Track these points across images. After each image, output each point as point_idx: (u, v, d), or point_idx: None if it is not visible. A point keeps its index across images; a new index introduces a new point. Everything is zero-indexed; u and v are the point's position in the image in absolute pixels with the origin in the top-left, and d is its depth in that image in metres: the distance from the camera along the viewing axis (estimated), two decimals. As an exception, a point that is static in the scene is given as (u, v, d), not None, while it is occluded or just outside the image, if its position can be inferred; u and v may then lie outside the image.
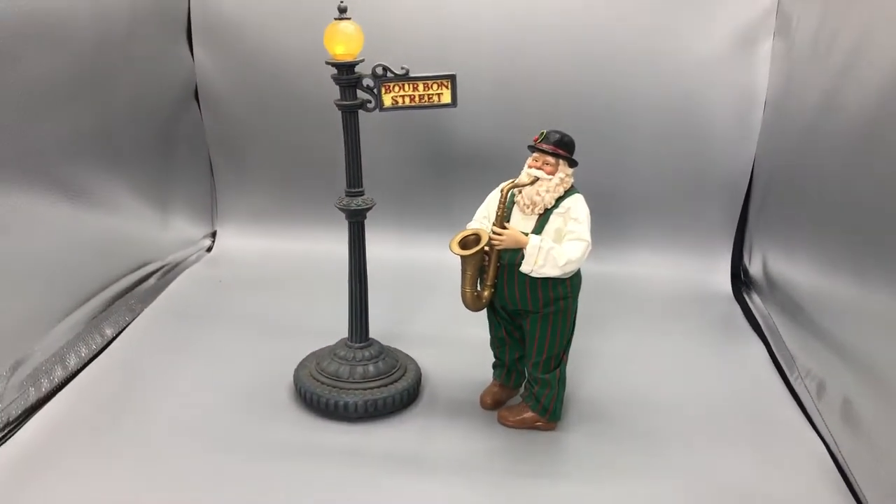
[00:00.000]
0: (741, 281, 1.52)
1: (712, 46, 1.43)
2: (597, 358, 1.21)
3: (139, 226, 1.42)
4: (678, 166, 1.51)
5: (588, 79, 1.46)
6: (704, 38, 1.42)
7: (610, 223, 1.54)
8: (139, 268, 1.40)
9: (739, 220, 1.53)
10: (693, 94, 1.46)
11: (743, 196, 1.51)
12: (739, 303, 1.45)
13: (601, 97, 1.47)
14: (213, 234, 1.68)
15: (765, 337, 1.30)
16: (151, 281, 1.43)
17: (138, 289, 1.38)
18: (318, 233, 1.60)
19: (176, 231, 1.55)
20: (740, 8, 1.40)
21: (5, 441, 0.96)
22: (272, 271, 1.54)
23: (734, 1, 1.40)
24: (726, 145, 1.48)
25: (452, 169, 1.54)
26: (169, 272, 1.49)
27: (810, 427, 1.03)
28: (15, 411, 1.00)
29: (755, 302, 1.42)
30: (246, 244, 1.65)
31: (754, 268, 1.47)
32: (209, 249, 1.64)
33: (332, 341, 1.12)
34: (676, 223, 1.54)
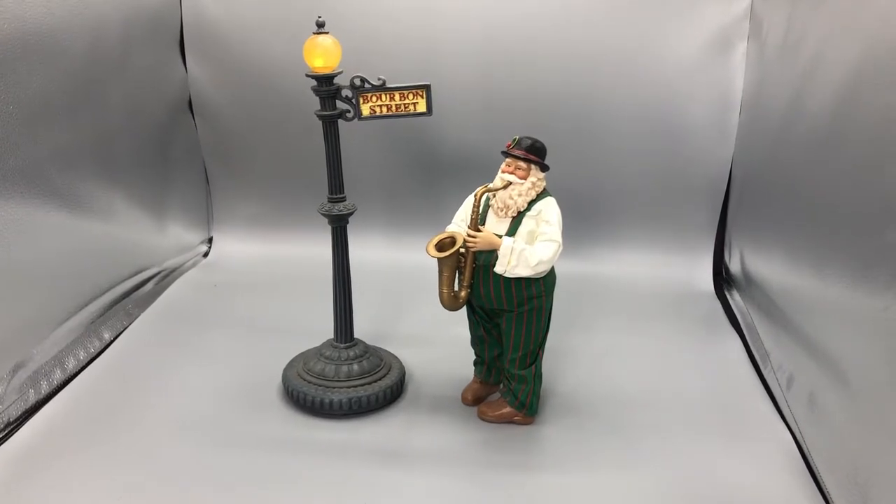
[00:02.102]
0: (722, 278, 1.56)
1: (690, 50, 1.46)
2: (578, 355, 1.25)
3: (137, 233, 1.46)
4: (660, 167, 1.54)
5: (570, 84, 1.50)
6: (683, 42, 1.46)
7: (594, 224, 1.58)
8: (137, 273, 1.45)
9: (720, 219, 1.57)
10: (672, 97, 1.49)
11: (723, 195, 1.54)
12: (721, 300, 1.48)
13: (583, 102, 1.51)
14: (210, 240, 1.72)
15: (743, 333, 1.33)
16: (149, 286, 1.48)
17: (136, 294, 1.43)
18: (311, 237, 1.63)
19: (173, 237, 1.60)
20: (716, 12, 1.44)
21: (5, 441, 1.00)
22: (266, 275, 1.58)
23: (710, 6, 1.44)
24: (706, 146, 1.51)
25: (439, 174, 1.58)
26: (166, 277, 1.54)
27: (780, 419, 1.07)
28: (15, 412, 1.05)
29: (735, 299, 1.46)
30: (241, 249, 1.69)
31: (734, 265, 1.50)
32: (205, 255, 1.69)
33: (321, 342, 1.16)
34: (659, 223, 1.58)
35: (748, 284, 1.39)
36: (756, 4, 1.41)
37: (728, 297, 1.49)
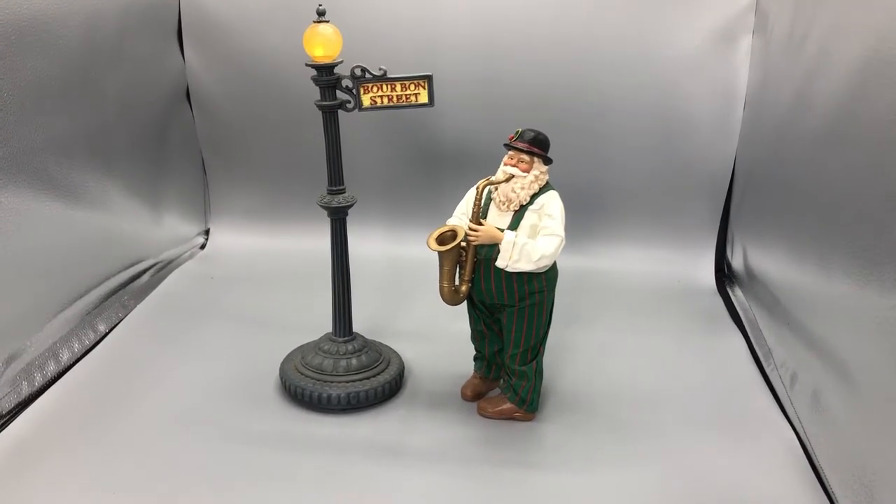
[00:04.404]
0: (724, 275, 1.55)
1: (694, 44, 1.45)
2: (579, 351, 1.24)
3: (133, 224, 1.44)
4: (662, 162, 1.53)
5: (572, 77, 1.49)
6: (686, 35, 1.44)
7: (596, 219, 1.57)
8: (132, 265, 1.43)
9: (723, 215, 1.55)
10: (676, 91, 1.48)
11: (725, 191, 1.53)
12: (723, 296, 1.47)
13: (585, 95, 1.49)
14: (207, 232, 1.71)
15: (745, 330, 1.32)
16: (145, 278, 1.46)
17: (131, 285, 1.41)
18: (310, 230, 1.61)
19: (169, 229, 1.58)
20: (721, 6, 1.42)
21: (-2, 434, 0.99)
22: (264, 268, 1.57)
23: (715, -2, 1.42)
24: (709, 141, 1.50)
25: (440, 166, 1.57)
26: (162, 269, 1.52)
27: (783, 416, 1.06)
28: (8, 405, 1.03)
29: (737, 295, 1.45)
30: (239, 241, 1.68)
31: (736, 262, 1.49)
32: (203, 247, 1.67)
33: (319, 336, 1.14)
34: (661, 218, 1.57)
35: (751, 281, 1.38)
36: (761, -2, 1.39)
37: (730, 293, 1.48)
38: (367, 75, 0.97)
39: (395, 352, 1.16)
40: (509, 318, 0.98)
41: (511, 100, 1.50)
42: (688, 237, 1.57)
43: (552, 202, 0.95)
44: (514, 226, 0.94)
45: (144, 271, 1.47)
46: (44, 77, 1.11)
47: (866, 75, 0.92)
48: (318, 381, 1.05)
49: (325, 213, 1.04)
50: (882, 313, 0.82)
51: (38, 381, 1.10)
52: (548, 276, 0.97)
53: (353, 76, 0.97)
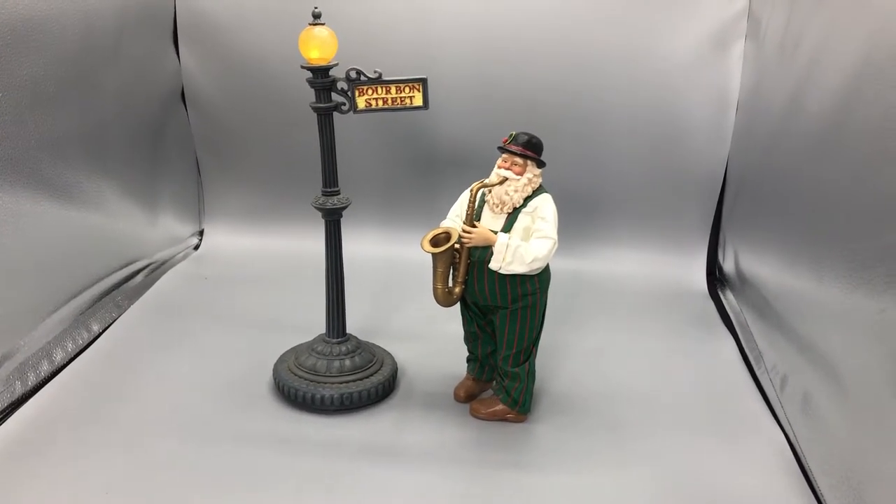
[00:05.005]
0: (716, 278, 1.56)
1: (687, 48, 1.46)
2: (571, 353, 1.24)
3: (127, 224, 1.44)
4: (655, 165, 1.54)
5: (567, 81, 1.49)
6: (679, 40, 1.45)
7: (588, 222, 1.58)
8: (127, 265, 1.43)
9: (715, 219, 1.56)
10: (669, 95, 1.48)
11: (717, 195, 1.54)
12: (714, 300, 1.48)
13: (580, 99, 1.50)
14: (201, 233, 1.71)
15: (736, 333, 1.33)
16: (139, 278, 1.46)
17: (125, 285, 1.41)
18: (305, 231, 1.62)
19: (163, 229, 1.58)
20: (714, 11, 1.43)
21: (-9, 433, 0.99)
22: (258, 268, 1.57)
23: (708, 4, 1.43)
24: (701, 145, 1.51)
25: (434, 168, 1.57)
26: (156, 269, 1.52)
27: (773, 419, 1.06)
28: (0, 404, 1.03)
29: (728, 299, 1.45)
30: (233, 242, 1.68)
31: (728, 265, 1.50)
32: (196, 247, 1.67)
33: (313, 336, 1.15)
34: (653, 222, 1.57)
35: (742, 284, 1.39)
36: (754, 3, 1.40)
37: (721, 296, 1.48)
38: (363, 78, 0.97)
39: (388, 353, 1.16)
40: (502, 320, 0.99)
41: (506, 103, 1.50)
42: (680, 240, 1.58)
43: (545, 205, 0.95)
44: (507, 228, 0.95)
45: (139, 271, 1.47)
46: (39, 77, 1.11)
47: (858, 81, 0.93)
48: (312, 381, 1.06)
49: (319, 214, 1.05)
50: (872, 316, 0.82)
51: (32, 380, 1.10)
52: (540, 279, 0.97)
53: (348, 79, 0.97)
